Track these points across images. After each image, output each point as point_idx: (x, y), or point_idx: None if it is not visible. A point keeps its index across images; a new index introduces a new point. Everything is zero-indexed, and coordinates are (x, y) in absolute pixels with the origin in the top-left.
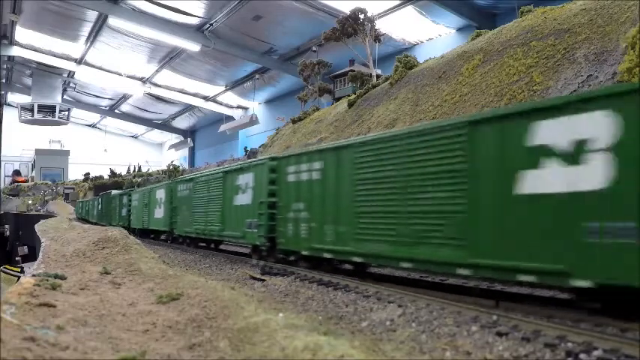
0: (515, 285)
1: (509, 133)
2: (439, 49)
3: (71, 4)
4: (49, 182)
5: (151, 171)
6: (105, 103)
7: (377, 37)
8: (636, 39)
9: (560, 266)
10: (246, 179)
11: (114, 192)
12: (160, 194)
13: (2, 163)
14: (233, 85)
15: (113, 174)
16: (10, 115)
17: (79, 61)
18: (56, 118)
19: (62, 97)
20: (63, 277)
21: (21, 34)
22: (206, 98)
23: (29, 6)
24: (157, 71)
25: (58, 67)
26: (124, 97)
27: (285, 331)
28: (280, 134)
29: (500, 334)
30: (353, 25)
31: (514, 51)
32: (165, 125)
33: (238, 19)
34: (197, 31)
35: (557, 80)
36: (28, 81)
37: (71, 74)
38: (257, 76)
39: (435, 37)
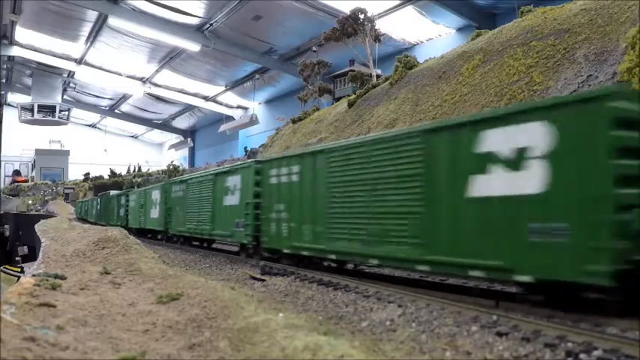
0: (515, 285)
1: (461, 141)
2: (439, 49)
3: (71, 4)
4: (49, 182)
5: (150, 171)
6: (105, 103)
7: (377, 37)
8: (636, 39)
9: (505, 263)
10: (234, 181)
11: (112, 192)
12: (156, 195)
13: (2, 163)
14: (233, 85)
15: (113, 174)
16: (10, 115)
17: (79, 61)
18: (56, 118)
19: (62, 97)
20: (63, 277)
21: (21, 34)
22: (206, 98)
23: (29, 6)
24: (157, 71)
25: (58, 67)
26: (124, 97)
27: (285, 331)
28: (280, 134)
29: (500, 334)
30: (353, 25)
31: (514, 51)
32: (165, 125)
33: (238, 19)
34: (197, 31)
35: (557, 80)
36: (28, 81)
37: (71, 74)
38: (257, 76)
39: (435, 37)
